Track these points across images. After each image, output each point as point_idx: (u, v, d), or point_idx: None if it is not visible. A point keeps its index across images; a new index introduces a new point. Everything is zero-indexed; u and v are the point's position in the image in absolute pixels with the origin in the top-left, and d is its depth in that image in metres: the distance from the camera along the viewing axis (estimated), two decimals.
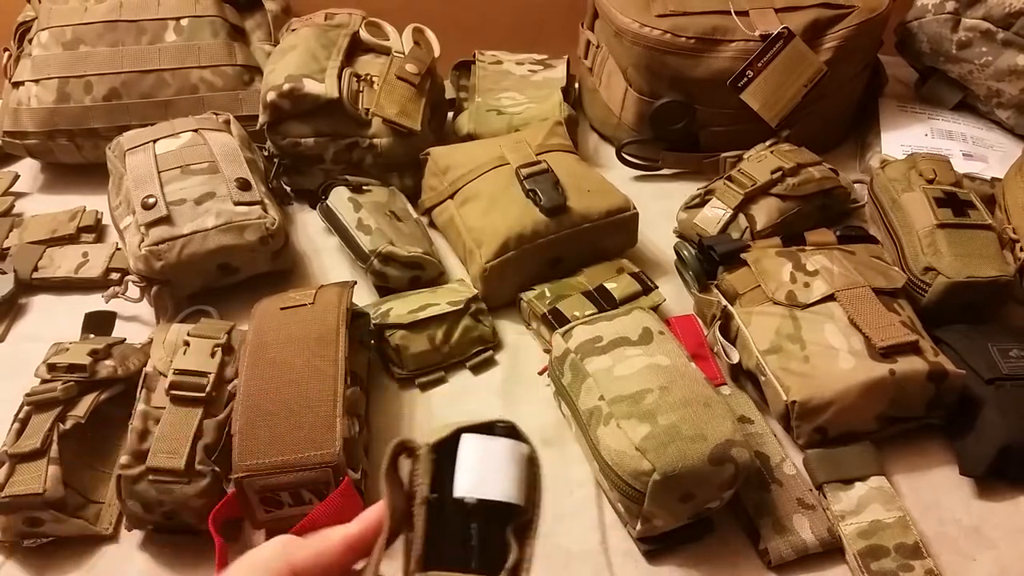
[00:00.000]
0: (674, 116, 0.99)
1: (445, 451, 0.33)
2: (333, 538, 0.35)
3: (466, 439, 0.32)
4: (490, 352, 0.80)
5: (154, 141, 0.87)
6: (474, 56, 1.11)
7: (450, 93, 1.09)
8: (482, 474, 0.32)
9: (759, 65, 0.94)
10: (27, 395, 0.66)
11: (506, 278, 0.82)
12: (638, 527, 0.63)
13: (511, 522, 0.32)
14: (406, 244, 0.84)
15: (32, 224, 0.93)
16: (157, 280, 0.80)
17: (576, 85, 1.15)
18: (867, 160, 1.02)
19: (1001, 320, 0.82)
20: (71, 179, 1.03)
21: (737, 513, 0.66)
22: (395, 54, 0.97)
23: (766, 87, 0.94)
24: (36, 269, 0.87)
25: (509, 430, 0.33)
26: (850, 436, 0.70)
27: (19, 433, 0.64)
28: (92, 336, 0.78)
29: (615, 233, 0.86)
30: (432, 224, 0.94)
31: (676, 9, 0.96)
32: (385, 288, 0.85)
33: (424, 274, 0.85)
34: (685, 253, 0.85)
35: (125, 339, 0.76)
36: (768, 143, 0.94)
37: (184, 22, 0.99)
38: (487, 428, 0.33)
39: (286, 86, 0.90)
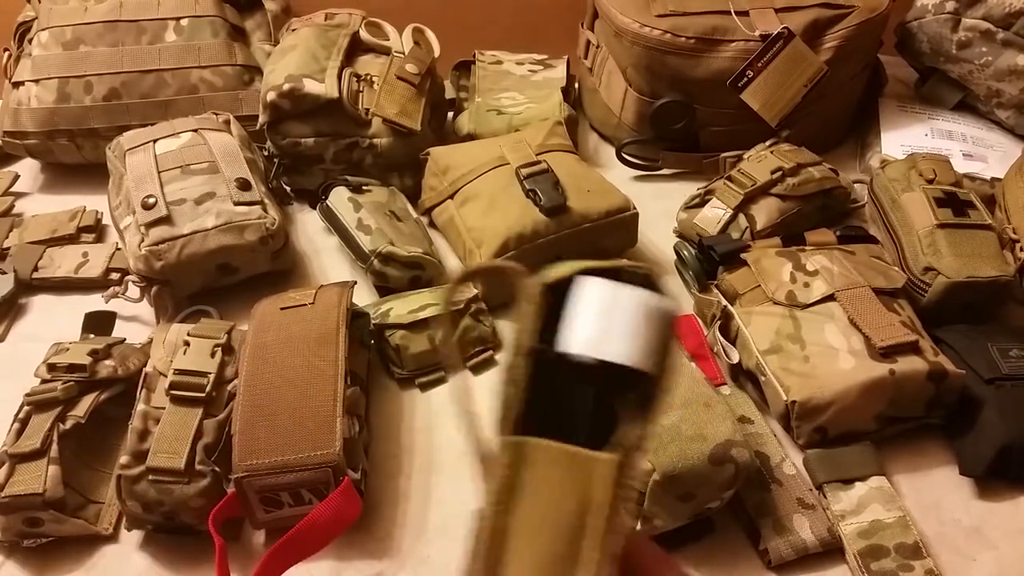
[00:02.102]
0: (674, 116, 0.99)
1: (561, 298, 0.26)
2: None
3: (586, 283, 0.26)
4: (490, 352, 0.80)
5: (154, 141, 0.87)
6: (474, 56, 1.11)
7: (450, 93, 1.09)
8: (604, 329, 0.25)
9: (759, 65, 0.94)
10: (27, 395, 0.66)
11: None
12: (638, 527, 0.63)
13: (632, 391, 0.26)
14: (406, 244, 0.84)
15: (32, 224, 0.93)
16: (157, 280, 0.80)
17: (576, 85, 1.15)
18: (867, 160, 1.02)
19: (1001, 320, 0.82)
20: (71, 179, 1.03)
21: (737, 513, 0.66)
22: (395, 54, 0.97)
23: (766, 87, 0.94)
24: (36, 269, 0.87)
25: (643, 278, 0.27)
26: (850, 436, 0.70)
27: (19, 433, 0.64)
28: (92, 336, 0.78)
29: (615, 233, 0.86)
30: (432, 224, 0.94)
31: (676, 9, 0.96)
32: (385, 288, 0.85)
33: (424, 274, 0.85)
34: (685, 253, 0.85)
35: (125, 339, 0.76)
36: (768, 143, 0.94)
37: (184, 22, 0.99)
38: (613, 274, 0.27)
39: (286, 86, 0.90)
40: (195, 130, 0.88)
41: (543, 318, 0.26)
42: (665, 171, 1.04)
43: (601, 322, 0.26)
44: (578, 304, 0.26)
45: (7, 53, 1.04)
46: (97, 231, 0.94)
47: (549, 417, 0.26)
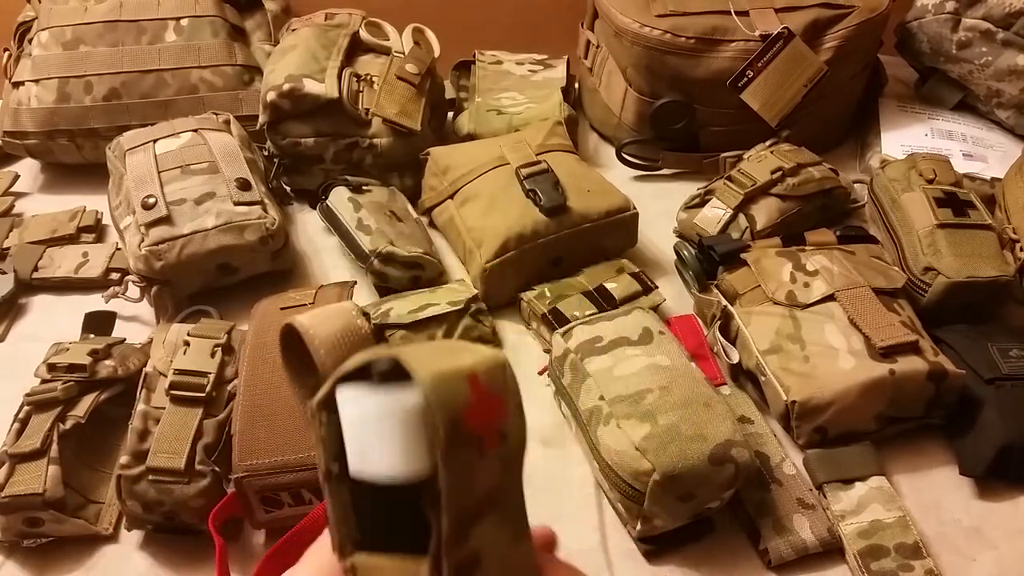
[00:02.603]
0: (674, 116, 0.99)
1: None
2: None
3: (341, 397, 0.24)
4: None
5: (154, 141, 0.87)
6: (474, 56, 1.11)
7: (450, 93, 1.09)
8: (362, 445, 0.24)
9: (759, 65, 0.94)
10: (27, 395, 0.66)
11: (506, 278, 0.82)
12: (638, 527, 0.63)
13: (418, 496, 0.24)
14: (406, 244, 0.84)
15: (32, 224, 0.93)
16: (157, 280, 0.80)
17: (576, 85, 1.15)
18: (867, 160, 1.02)
19: (1001, 320, 0.82)
20: (71, 179, 1.03)
21: (737, 513, 0.66)
22: (395, 54, 0.97)
23: (766, 87, 0.94)
24: (36, 269, 0.87)
25: (391, 371, 0.24)
26: (850, 436, 0.70)
27: (19, 433, 0.64)
28: (92, 336, 0.78)
29: (615, 233, 0.86)
30: (432, 224, 0.94)
31: (676, 9, 0.96)
32: (385, 288, 0.85)
33: (424, 274, 0.85)
34: (685, 253, 0.85)
35: (125, 339, 0.76)
36: (768, 143, 0.94)
37: (184, 22, 0.99)
38: (364, 371, 0.24)
39: (286, 86, 0.90)
40: (195, 130, 0.88)
41: (329, 437, 0.25)
42: (665, 171, 1.04)
43: (358, 438, 0.24)
44: (342, 420, 0.25)
45: (7, 53, 1.04)
46: (97, 231, 0.94)
47: (377, 530, 0.25)
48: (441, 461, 0.23)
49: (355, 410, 0.24)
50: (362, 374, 0.24)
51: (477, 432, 0.24)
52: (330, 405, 0.25)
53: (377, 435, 0.24)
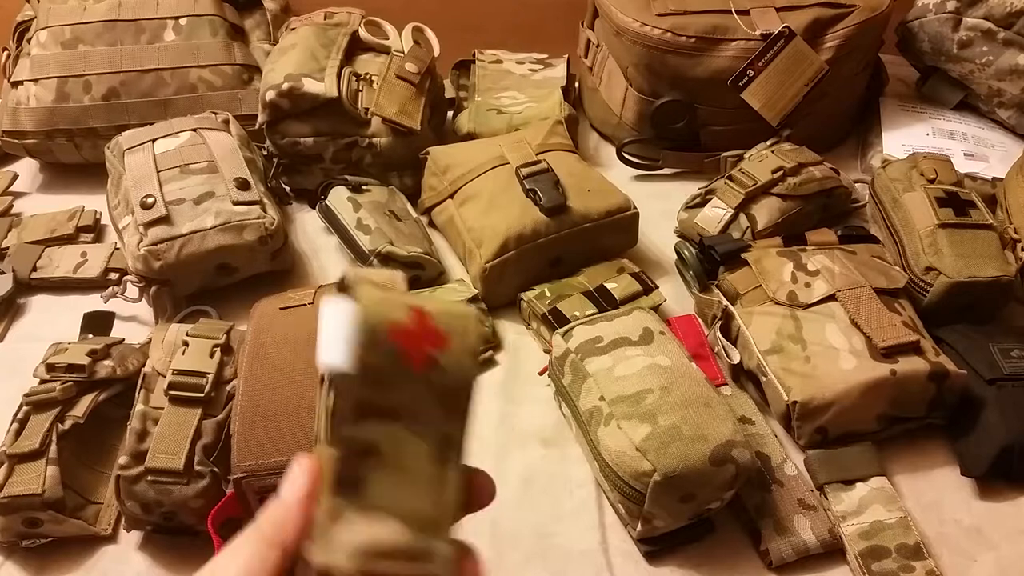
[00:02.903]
0: (674, 115, 0.99)
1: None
2: (293, 507, 0.31)
3: (324, 302, 0.31)
4: (490, 352, 0.80)
5: (153, 141, 0.86)
6: (474, 55, 1.11)
7: (450, 93, 1.09)
8: (323, 338, 0.31)
9: (760, 64, 0.94)
10: (26, 395, 0.65)
11: (506, 278, 0.82)
12: (638, 528, 0.63)
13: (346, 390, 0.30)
14: (406, 244, 0.84)
15: (31, 224, 0.93)
16: (156, 280, 0.80)
17: (576, 84, 1.15)
18: (868, 160, 1.02)
19: (1002, 320, 0.82)
20: (70, 179, 1.02)
21: (738, 514, 0.66)
22: (395, 53, 0.97)
23: (767, 86, 0.94)
24: (35, 269, 0.87)
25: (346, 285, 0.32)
26: (851, 436, 0.70)
27: (18, 433, 0.63)
28: (91, 336, 0.78)
29: (615, 233, 0.86)
30: (432, 224, 0.94)
31: (676, 8, 0.95)
32: None
33: (424, 274, 0.85)
34: (686, 253, 0.85)
35: (124, 339, 0.75)
36: (769, 142, 0.94)
37: (183, 21, 0.99)
38: (344, 287, 0.32)
39: (285, 85, 0.90)
40: (194, 129, 0.88)
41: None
42: (666, 171, 1.03)
43: (323, 333, 0.31)
44: (319, 320, 0.31)
45: (6, 52, 1.04)
46: (96, 231, 0.93)
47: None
48: (351, 355, 0.30)
49: (325, 312, 0.31)
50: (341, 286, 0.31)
51: (403, 349, 0.30)
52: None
53: (329, 331, 0.30)
